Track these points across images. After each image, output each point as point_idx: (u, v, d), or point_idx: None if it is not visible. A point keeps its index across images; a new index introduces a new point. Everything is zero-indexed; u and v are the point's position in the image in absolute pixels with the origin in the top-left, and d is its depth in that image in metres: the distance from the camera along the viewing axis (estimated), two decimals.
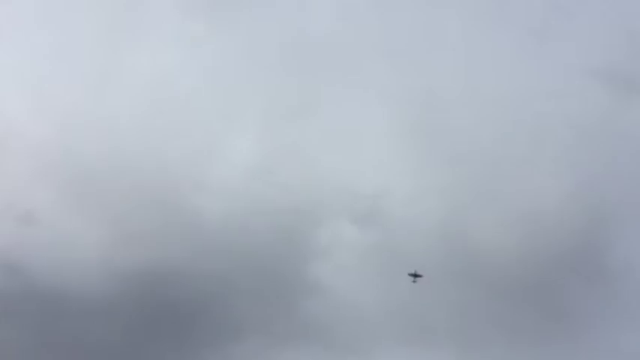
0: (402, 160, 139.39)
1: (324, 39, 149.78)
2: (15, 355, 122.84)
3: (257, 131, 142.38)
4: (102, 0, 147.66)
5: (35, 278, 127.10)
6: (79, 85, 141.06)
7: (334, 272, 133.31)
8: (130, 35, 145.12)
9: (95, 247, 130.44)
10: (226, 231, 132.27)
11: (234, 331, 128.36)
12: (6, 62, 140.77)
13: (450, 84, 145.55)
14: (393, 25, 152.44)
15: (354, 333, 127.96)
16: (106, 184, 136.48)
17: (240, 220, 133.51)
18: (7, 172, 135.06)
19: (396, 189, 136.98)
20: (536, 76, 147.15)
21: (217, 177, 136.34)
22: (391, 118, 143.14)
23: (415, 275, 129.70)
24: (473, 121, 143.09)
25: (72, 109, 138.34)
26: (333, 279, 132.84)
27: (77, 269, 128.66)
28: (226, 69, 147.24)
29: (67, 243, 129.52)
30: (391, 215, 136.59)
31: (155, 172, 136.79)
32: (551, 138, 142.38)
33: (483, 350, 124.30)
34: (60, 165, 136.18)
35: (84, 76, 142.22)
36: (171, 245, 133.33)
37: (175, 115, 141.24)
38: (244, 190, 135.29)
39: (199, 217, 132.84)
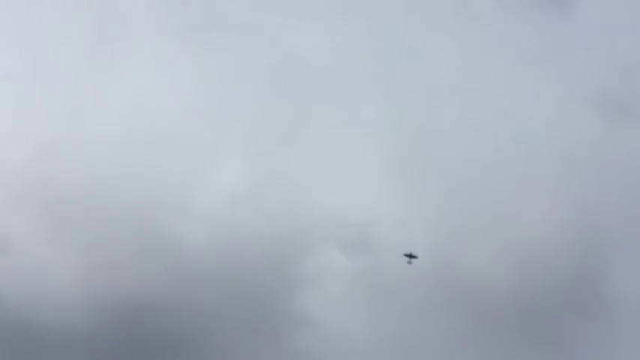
0: (391, 188, 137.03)
1: (313, 64, 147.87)
2: None
3: (243, 157, 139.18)
4: (83, 24, 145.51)
5: (10, 307, 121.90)
6: (58, 109, 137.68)
7: (322, 302, 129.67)
8: (112, 59, 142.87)
9: (73, 275, 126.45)
10: (211, 259, 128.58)
11: None
12: None
13: (441, 111, 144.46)
14: (384, 52, 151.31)
15: None
16: (85, 211, 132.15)
17: (225, 248, 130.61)
18: None
19: (385, 217, 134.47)
20: (528, 104, 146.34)
21: (202, 204, 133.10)
22: (380, 145, 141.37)
23: (410, 256, 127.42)
24: (464, 148, 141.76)
25: (51, 135, 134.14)
26: (321, 309, 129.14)
27: (54, 299, 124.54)
28: (211, 93, 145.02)
29: (43, 271, 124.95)
30: (380, 243, 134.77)
31: (137, 199, 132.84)
32: (543, 166, 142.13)
33: None
34: (37, 191, 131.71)
35: (64, 101, 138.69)
36: (153, 274, 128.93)
37: (159, 140, 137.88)
38: (230, 217, 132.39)
39: (183, 245, 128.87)
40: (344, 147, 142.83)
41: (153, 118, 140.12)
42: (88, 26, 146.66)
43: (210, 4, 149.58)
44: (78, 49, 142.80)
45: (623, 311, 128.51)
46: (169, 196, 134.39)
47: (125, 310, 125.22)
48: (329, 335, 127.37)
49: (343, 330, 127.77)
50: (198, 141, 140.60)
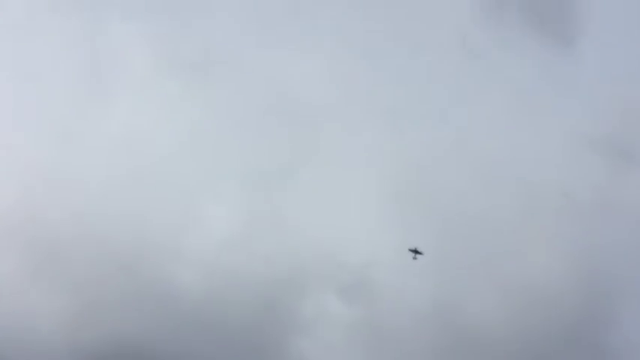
0: (390, 228, 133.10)
1: (308, 101, 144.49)
2: None
3: (236, 197, 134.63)
4: (76, 57, 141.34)
5: None
6: (46, 144, 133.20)
7: (318, 348, 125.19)
8: (104, 94, 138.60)
9: (59, 318, 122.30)
10: (203, 303, 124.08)
11: None
12: None
13: (441, 151, 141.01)
14: (382, 88, 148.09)
15: None
16: (73, 252, 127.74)
17: (217, 291, 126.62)
18: None
19: (383, 258, 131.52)
20: (529, 143, 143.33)
21: (193, 245, 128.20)
22: (379, 184, 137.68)
23: (416, 252, 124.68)
24: (465, 190, 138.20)
25: (38, 170, 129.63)
26: (316, 355, 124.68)
27: (39, 342, 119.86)
28: (205, 131, 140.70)
29: (28, 313, 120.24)
30: (379, 286, 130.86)
31: (126, 240, 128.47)
32: (546, 208, 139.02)
33: None
34: (22, 229, 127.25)
35: (52, 136, 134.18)
36: (142, 318, 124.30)
37: (149, 179, 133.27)
38: (222, 259, 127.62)
39: (174, 288, 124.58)
40: (341, 185, 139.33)
41: (145, 156, 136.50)
42: (81, 60, 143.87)
43: (206, 39, 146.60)
44: (69, 83, 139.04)
45: (629, 357, 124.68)
46: (160, 237, 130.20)
47: (113, 355, 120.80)
48: None
49: None
50: (191, 179, 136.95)
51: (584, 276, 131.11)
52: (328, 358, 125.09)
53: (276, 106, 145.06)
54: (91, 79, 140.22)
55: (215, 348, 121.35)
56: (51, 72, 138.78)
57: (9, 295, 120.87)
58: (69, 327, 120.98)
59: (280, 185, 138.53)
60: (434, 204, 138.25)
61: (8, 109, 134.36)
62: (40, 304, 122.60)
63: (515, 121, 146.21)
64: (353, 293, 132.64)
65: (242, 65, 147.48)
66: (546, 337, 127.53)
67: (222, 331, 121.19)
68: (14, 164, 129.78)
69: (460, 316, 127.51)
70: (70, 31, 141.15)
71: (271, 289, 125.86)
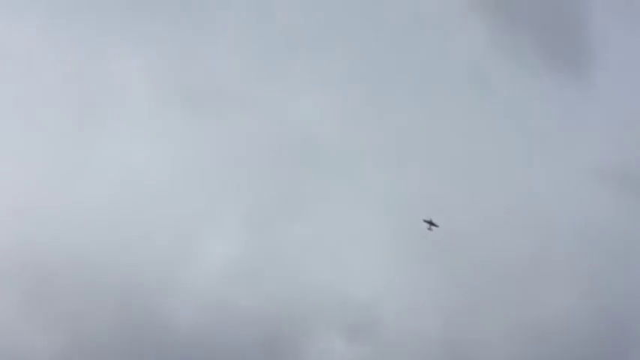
0: (396, 266, 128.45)
1: (313, 136, 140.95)
2: None
3: (237, 232, 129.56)
4: (70, 89, 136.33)
5: None
6: (37, 174, 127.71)
7: None
8: (100, 124, 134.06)
9: (52, 355, 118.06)
10: (201, 340, 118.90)
11: None
12: None
13: (449, 185, 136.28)
14: (388, 122, 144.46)
15: None
16: (66, 286, 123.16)
17: (216, 329, 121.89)
18: None
19: (390, 297, 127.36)
20: (545, 180, 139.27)
21: (192, 282, 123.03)
22: (384, 220, 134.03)
23: (431, 223, 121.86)
24: (474, 223, 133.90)
25: (29, 202, 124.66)
26: None
27: None
28: (206, 164, 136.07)
29: (20, 350, 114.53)
30: (385, 326, 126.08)
31: (122, 275, 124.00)
32: (558, 242, 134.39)
33: None
34: (14, 263, 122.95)
35: (44, 166, 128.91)
36: (138, 355, 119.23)
37: (147, 212, 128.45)
38: (222, 295, 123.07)
39: (171, 325, 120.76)
40: (346, 222, 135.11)
41: (143, 189, 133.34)
42: (77, 93, 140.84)
43: (208, 71, 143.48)
44: (65, 117, 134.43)
45: None
46: (158, 271, 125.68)
47: None
48: None
49: None
50: (191, 214, 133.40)
51: (598, 312, 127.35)
52: None
53: (281, 139, 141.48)
54: (87, 113, 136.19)
55: None
56: (46, 106, 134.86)
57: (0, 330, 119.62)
58: None
59: (283, 220, 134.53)
60: (442, 242, 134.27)
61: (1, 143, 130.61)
62: (32, 339, 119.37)
63: (528, 156, 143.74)
64: (358, 332, 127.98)
65: (244, 98, 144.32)
66: None
67: None
68: (4, 197, 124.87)
69: (470, 357, 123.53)
70: (67, 63, 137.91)
71: (273, 327, 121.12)
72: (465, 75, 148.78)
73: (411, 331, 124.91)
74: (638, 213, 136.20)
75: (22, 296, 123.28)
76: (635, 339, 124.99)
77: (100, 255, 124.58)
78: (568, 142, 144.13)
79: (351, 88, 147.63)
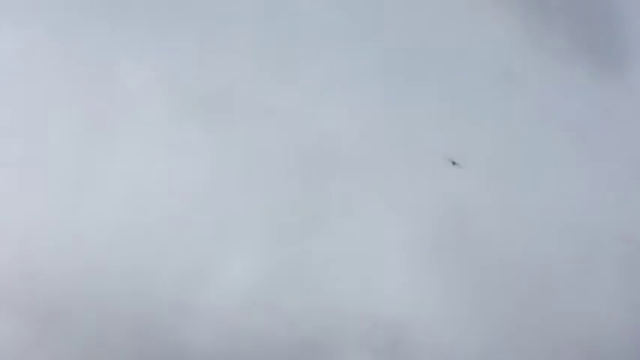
0: (428, 280, 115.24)
1: (334, 144, 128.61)
2: None
3: (256, 250, 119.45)
4: (75, 99, 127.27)
5: None
6: (45, 196, 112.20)
7: None
8: (108, 140, 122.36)
9: None
10: None
11: None
12: None
13: (480, 189, 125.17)
14: (413, 127, 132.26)
15: None
16: (77, 313, 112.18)
17: (235, 356, 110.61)
18: None
19: (422, 314, 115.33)
20: (583, 183, 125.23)
21: (209, 306, 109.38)
22: (414, 233, 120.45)
23: (454, 163, 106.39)
24: (509, 233, 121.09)
25: (36, 225, 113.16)
26: None
27: None
28: (220, 179, 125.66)
29: None
30: (417, 346, 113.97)
31: (135, 299, 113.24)
32: (603, 255, 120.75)
33: None
34: (22, 289, 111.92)
35: (52, 186, 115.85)
36: None
37: (160, 231, 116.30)
38: (241, 319, 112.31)
39: (188, 352, 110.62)
40: (371, 235, 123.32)
41: (155, 206, 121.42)
42: (82, 104, 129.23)
43: (222, 78, 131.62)
44: (70, 129, 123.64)
45: None
46: (172, 295, 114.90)
47: None
48: None
49: None
50: (206, 231, 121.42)
51: None
52: None
53: (300, 150, 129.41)
54: (94, 125, 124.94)
55: None
56: (50, 118, 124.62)
57: (10, 358, 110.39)
58: None
59: (305, 236, 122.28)
60: (476, 254, 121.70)
61: (4, 159, 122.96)
62: None
63: (564, 157, 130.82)
64: (389, 354, 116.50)
65: (261, 107, 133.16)
66: None
67: None
68: (11, 218, 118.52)
69: None
70: (71, 72, 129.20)
71: (296, 352, 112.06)
72: (496, 72, 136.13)
73: (447, 350, 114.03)
74: None
75: (31, 327, 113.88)
76: None
77: (113, 281, 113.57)
78: (607, 141, 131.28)
79: (374, 93, 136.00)
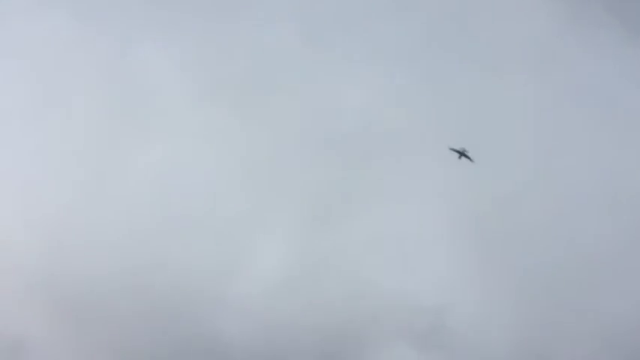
0: (469, 268, 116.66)
1: (368, 127, 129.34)
2: None
3: (289, 237, 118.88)
4: (102, 86, 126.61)
5: None
6: (72, 187, 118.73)
7: None
8: (135, 126, 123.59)
9: None
10: (252, 356, 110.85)
11: None
12: None
13: (521, 170, 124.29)
14: (448, 102, 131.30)
15: None
16: (108, 307, 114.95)
17: (271, 346, 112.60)
18: None
19: (462, 301, 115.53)
20: (627, 160, 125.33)
21: (241, 294, 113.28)
22: (452, 218, 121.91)
23: (462, 153, 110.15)
24: (552, 219, 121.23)
25: (64, 216, 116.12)
26: None
27: None
28: (251, 165, 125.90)
29: None
30: (458, 334, 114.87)
31: (166, 290, 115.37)
32: None
33: None
34: (52, 283, 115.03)
35: (79, 177, 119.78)
36: None
37: (190, 220, 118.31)
38: (275, 308, 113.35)
39: (220, 343, 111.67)
40: (409, 221, 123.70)
41: (185, 195, 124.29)
42: (110, 90, 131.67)
43: (251, 61, 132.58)
44: (97, 118, 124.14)
45: None
46: (204, 285, 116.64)
47: None
48: None
49: None
50: (237, 219, 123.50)
51: None
52: None
53: (333, 133, 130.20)
54: (122, 112, 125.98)
55: None
56: (76, 107, 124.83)
57: (44, 353, 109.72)
58: None
59: (340, 223, 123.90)
60: (516, 238, 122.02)
61: (29, 150, 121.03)
62: None
63: (606, 134, 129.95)
64: (428, 342, 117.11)
65: (292, 89, 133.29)
66: None
67: None
68: (39, 210, 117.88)
69: None
70: (97, 58, 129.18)
71: (332, 341, 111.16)
72: (538, 51, 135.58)
73: (486, 338, 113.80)
74: None
75: (63, 323, 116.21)
76: None
77: (143, 273, 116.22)
78: None
79: (406, 74, 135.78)
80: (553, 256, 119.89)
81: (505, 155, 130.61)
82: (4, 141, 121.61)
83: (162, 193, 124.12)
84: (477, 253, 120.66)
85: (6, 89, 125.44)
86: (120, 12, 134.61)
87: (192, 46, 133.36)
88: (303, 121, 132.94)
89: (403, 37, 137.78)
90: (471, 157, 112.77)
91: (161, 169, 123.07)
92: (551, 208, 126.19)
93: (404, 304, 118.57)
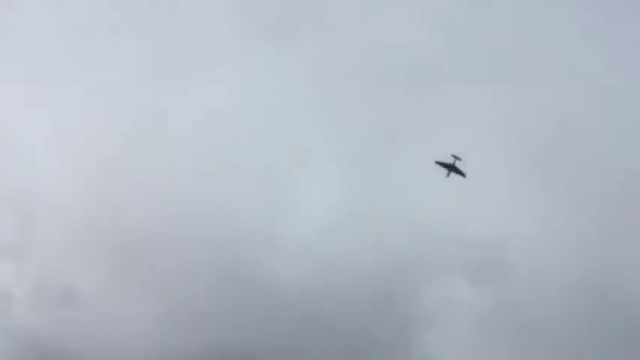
0: (525, 196, 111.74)
1: (411, 57, 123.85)
2: None
3: (337, 174, 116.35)
4: (144, 30, 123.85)
5: None
6: (117, 132, 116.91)
7: (446, 345, 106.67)
8: (179, 66, 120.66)
9: (150, 325, 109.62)
10: (306, 300, 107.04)
11: None
12: (31, 112, 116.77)
13: (581, 102, 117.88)
14: (501, 31, 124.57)
15: None
16: (159, 253, 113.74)
17: (322, 286, 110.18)
18: (39, 242, 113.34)
19: (519, 233, 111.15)
20: None
21: (291, 234, 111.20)
22: (507, 147, 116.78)
23: (450, 167, 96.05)
24: (613, 144, 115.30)
25: (110, 162, 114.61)
26: (445, 353, 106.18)
27: (130, 351, 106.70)
28: (295, 104, 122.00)
29: (116, 326, 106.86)
30: (515, 267, 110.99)
31: (216, 234, 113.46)
32: None
33: None
34: (101, 231, 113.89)
35: (123, 121, 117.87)
36: (242, 322, 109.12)
37: (235, 163, 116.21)
38: (325, 248, 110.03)
39: (271, 285, 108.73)
40: (461, 151, 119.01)
41: (229, 137, 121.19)
42: (153, 34, 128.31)
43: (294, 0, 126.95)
44: (140, 56, 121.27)
45: None
46: (254, 228, 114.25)
47: None
48: None
49: None
50: (283, 159, 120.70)
51: None
52: (459, 353, 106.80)
53: (377, 67, 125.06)
54: (165, 57, 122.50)
55: (322, 350, 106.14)
56: (119, 51, 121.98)
57: (92, 303, 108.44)
58: (160, 333, 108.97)
59: (388, 156, 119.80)
60: (578, 164, 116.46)
61: (72, 95, 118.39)
62: (129, 310, 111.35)
63: None
64: (483, 276, 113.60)
65: (336, 27, 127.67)
66: None
67: (330, 330, 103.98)
68: (89, 164, 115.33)
69: (620, 297, 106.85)
70: (140, 2, 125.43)
71: (385, 278, 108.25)
72: None
73: (544, 271, 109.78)
74: None
75: (115, 262, 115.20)
76: None
77: (191, 218, 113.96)
78: None
79: (451, 3, 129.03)
80: (611, 185, 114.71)
81: (564, 75, 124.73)
82: (50, 93, 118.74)
83: (208, 137, 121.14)
84: (536, 183, 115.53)
85: (49, 39, 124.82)
86: None
87: None
88: (347, 55, 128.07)
89: None
90: (463, 171, 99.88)
91: (206, 113, 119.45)
92: (613, 130, 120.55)
93: (456, 237, 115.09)
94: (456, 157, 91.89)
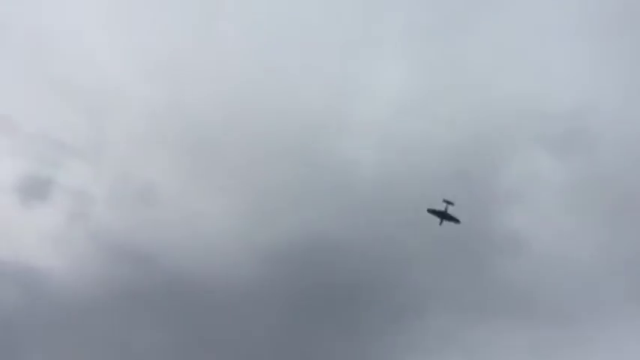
0: (607, 64, 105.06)
1: None
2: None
3: (407, 51, 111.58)
4: None
5: (165, 269, 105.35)
6: (185, 25, 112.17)
7: (530, 220, 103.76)
8: None
9: (232, 223, 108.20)
10: (381, 182, 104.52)
11: (412, 308, 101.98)
12: (101, 14, 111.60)
13: None
14: None
15: (563, 299, 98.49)
16: (231, 145, 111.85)
17: (396, 167, 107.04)
18: (115, 141, 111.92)
19: (601, 102, 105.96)
20: None
21: (362, 115, 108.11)
22: (589, 11, 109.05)
23: (442, 215, 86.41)
24: None
25: (180, 56, 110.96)
26: (529, 229, 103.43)
27: (212, 253, 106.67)
28: None
29: (196, 222, 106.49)
30: (597, 138, 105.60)
31: (290, 121, 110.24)
32: None
33: None
34: (176, 127, 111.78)
35: (189, 16, 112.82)
36: (321, 207, 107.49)
37: (302, 42, 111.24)
38: (398, 127, 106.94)
39: (345, 168, 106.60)
40: (538, 20, 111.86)
41: (296, 17, 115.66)
42: None
43: None
44: None
45: None
46: (324, 110, 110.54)
47: (293, 255, 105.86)
48: (542, 261, 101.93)
49: (560, 253, 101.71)
50: (352, 36, 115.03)
51: None
52: (543, 230, 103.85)
53: None
54: None
55: (403, 233, 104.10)
56: None
57: (172, 203, 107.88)
58: (242, 231, 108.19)
59: (460, 29, 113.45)
60: None
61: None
62: (210, 207, 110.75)
63: None
64: (566, 148, 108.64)
65: None
66: None
67: (408, 212, 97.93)
68: (154, 52, 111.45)
69: None
70: None
71: (461, 157, 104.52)
72: None
73: (630, 142, 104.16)
74: None
75: (192, 160, 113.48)
76: None
77: (263, 108, 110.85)
78: None
79: None
80: None
81: None
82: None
83: (272, 16, 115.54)
84: (620, 48, 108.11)
85: None
86: None
87: None
88: None
89: None
90: (456, 217, 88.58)
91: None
92: None
93: (536, 109, 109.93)
94: (448, 202, 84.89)
